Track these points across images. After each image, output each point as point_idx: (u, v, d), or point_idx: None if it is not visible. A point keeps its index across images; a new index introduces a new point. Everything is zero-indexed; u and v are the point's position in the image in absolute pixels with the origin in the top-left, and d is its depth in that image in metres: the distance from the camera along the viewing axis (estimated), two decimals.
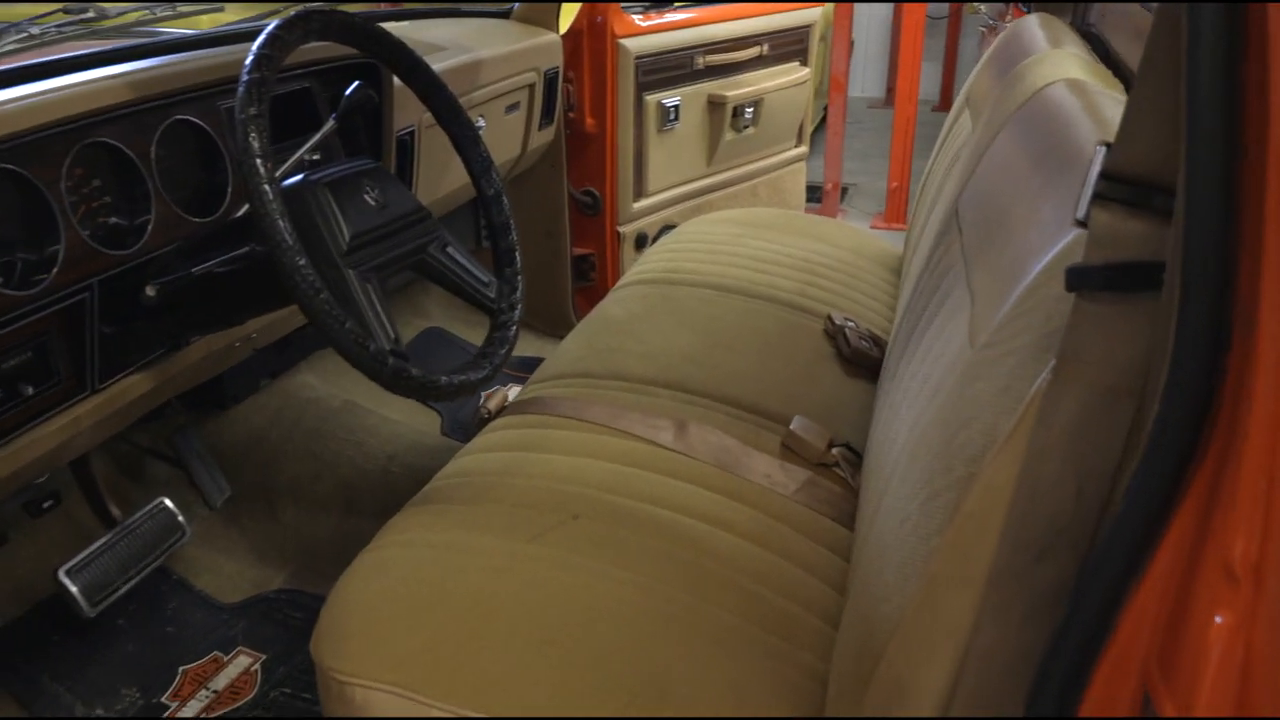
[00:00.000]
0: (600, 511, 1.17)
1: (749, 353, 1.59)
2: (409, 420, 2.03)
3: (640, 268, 1.95)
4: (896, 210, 4.57)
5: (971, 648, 0.71)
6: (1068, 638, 0.62)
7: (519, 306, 1.25)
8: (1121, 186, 0.63)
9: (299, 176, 1.11)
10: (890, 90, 7.08)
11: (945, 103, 7.00)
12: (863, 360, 1.62)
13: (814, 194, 4.45)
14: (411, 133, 1.75)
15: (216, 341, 1.40)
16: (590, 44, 2.36)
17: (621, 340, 1.61)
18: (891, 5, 6.78)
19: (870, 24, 7.09)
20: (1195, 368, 0.54)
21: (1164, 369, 0.57)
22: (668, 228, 2.67)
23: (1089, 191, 0.65)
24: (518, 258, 1.29)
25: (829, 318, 1.71)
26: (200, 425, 1.87)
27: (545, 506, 1.17)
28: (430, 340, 2.40)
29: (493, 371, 1.17)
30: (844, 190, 4.94)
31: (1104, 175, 0.64)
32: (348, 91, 1.31)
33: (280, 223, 0.96)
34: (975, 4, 6.02)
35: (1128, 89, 1.33)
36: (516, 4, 2.32)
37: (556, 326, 2.62)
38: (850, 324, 1.69)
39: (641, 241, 2.63)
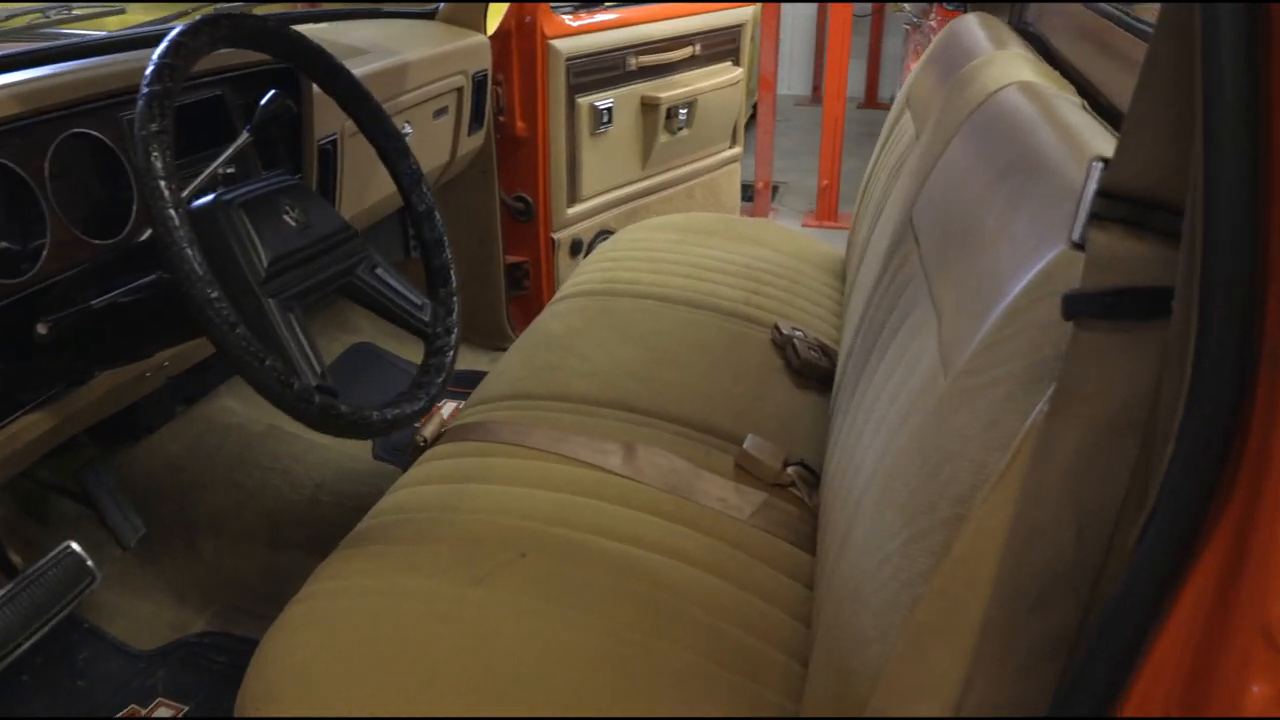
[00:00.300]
0: (548, 547, 1.10)
1: (696, 367, 1.53)
2: (338, 445, 1.93)
3: (578, 278, 1.88)
4: (828, 208, 4.58)
5: (963, 703, 0.66)
6: (1080, 696, 0.57)
7: (455, 330, 1.17)
8: (1121, 205, 0.58)
9: (210, 196, 1.01)
10: (816, 88, 7.12)
11: (871, 99, 7.06)
12: (812, 371, 1.57)
13: (745, 193, 4.43)
14: (334, 141, 1.65)
15: (125, 373, 1.29)
16: (519, 45, 2.28)
17: (562, 357, 1.54)
18: (816, 4, 6.81)
19: (795, 22, 7.11)
20: (1216, 404, 0.49)
21: (1179, 405, 0.52)
22: (603, 233, 2.60)
23: (1085, 211, 0.59)
24: (453, 277, 1.21)
25: (776, 327, 1.66)
26: (110, 458, 1.74)
27: (490, 544, 1.10)
28: (359, 358, 2.29)
29: (429, 402, 1.09)
30: (775, 189, 4.93)
31: (1101, 193, 0.59)
32: (263, 101, 1.21)
33: (188, 251, 0.87)
34: (899, 2, 6.07)
35: (1079, 91, 1.30)
36: (441, 4, 2.23)
37: (491, 338, 2.53)
38: (798, 334, 1.64)
39: (577, 248, 2.56)
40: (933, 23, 4.51)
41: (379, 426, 1.02)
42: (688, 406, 1.42)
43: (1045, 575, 0.63)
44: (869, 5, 6.70)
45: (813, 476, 1.31)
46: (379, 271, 1.14)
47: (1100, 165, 0.59)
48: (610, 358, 1.53)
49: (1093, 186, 0.59)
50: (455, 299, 1.20)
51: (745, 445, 1.32)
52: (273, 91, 1.22)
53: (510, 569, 1.06)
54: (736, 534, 1.18)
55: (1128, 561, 0.56)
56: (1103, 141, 0.94)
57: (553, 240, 2.49)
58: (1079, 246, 0.60)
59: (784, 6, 5.84)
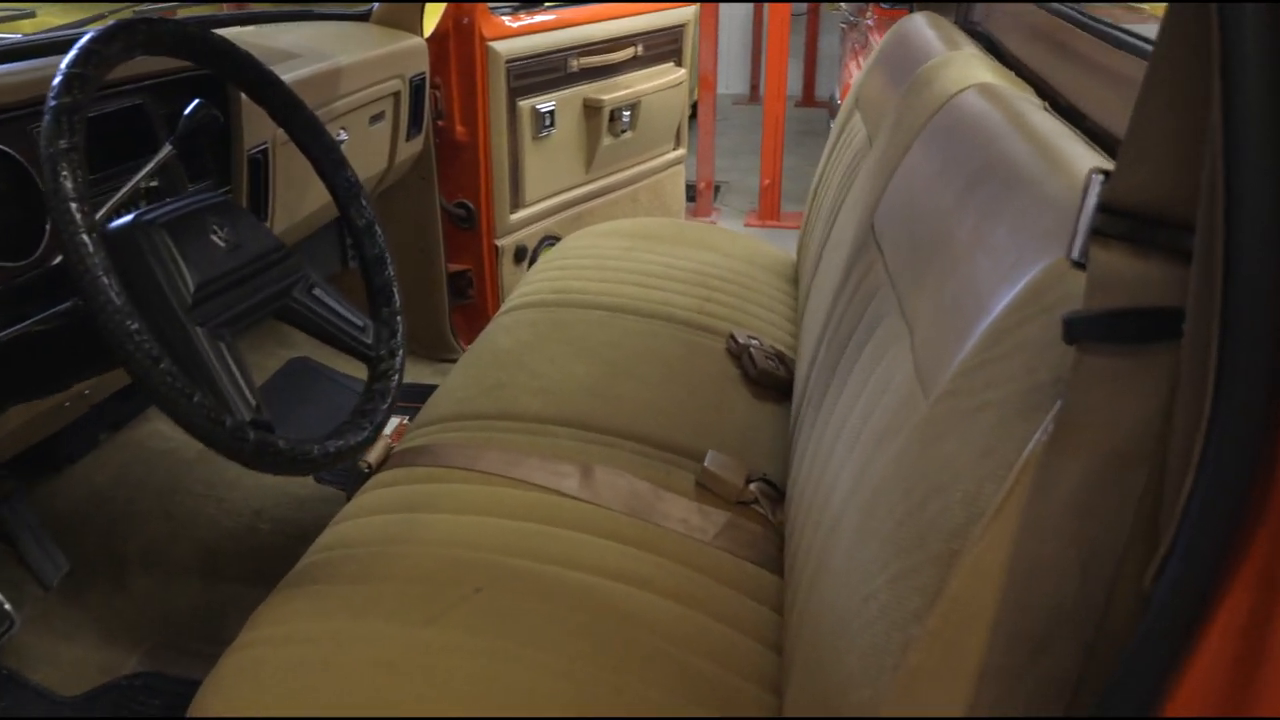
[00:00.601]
0: (504, 580, 1.04)
1: (652, 381, 1.47)
2: None
3: (525, 288, 1.82)
4: (770, 207, 4.57)
5: None
6: None
7: (400, 352, 1.10)
8: (1123, 221, 0.54)
9: (129, 216, 0.93)
10: (754, 87, 7.13)
11: (808, 98, 7.09)
12: (770, 381, 1.53)
13: (688, 193, 4.40)
14: (265, 150, 1.57)
15: (42, 402, 1.20)
16: (458, 47, 2.21)
17: (512, 374, 1.48)
18: (753, 4, 6.82)
19: (732, 22, 7.12)
20: (1242, 428, 0.46)
21: (1197, 434, 0.48)
22: (548, 239, 2.54)
23: (1085, 226, 0.55)
24: (396, 295, 1.14)
25: (731, 336, 1.62)
26: (29, 491, 1.63)
27: (442, 579, 1.03)
28: (296, 374, 2.20)
29: (374, 432, 1.02)
30: (716, 188, 4.91)
31: (1103, 208, 0.55)
32: (187, 110, 1.13)
33: (103, 280, 0.79)
34: (836, 1, 6.09)
35: (1038, 92, 1.28)
36: (375, 5, 2.15)
37: (434, 349, 2.46)
38: (754, 342, 1.60)
39: (521, 255, 2.49)
40: (869, 21, 4.52)
41: (321, 461, 0.95)
42: (645, 422, 1.37)
43: (1047, 615, 0.59)
44: (804, 4, 6.72)
45: (775, 492, 1.27)
46: (316, 292, 1.06)
47: (1100, 178, 0.55)
48: (563, 373, 1.48)
49: (1093, 200, 0.55)
50: (399, 318, 1.13)
51: (706, 463, 1.27)
52: (197, 100, 1.14)
53: (464, 607, 0.99)
54: (701, 557, 1.13)
55: (1142, 601, 0.52)
56: (1073, 147, 0.91)
57: (496, 247, 2.42)
58: (1080, 265, 0.56)
59: (721, 6, 5.83)
